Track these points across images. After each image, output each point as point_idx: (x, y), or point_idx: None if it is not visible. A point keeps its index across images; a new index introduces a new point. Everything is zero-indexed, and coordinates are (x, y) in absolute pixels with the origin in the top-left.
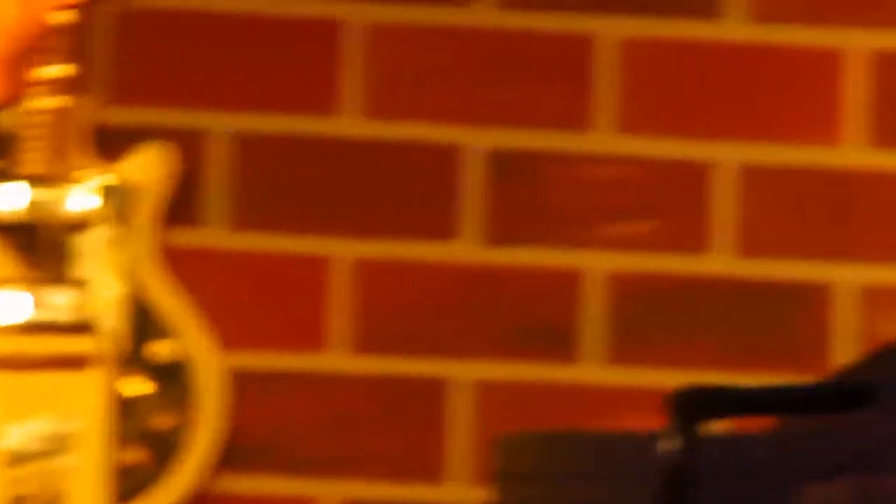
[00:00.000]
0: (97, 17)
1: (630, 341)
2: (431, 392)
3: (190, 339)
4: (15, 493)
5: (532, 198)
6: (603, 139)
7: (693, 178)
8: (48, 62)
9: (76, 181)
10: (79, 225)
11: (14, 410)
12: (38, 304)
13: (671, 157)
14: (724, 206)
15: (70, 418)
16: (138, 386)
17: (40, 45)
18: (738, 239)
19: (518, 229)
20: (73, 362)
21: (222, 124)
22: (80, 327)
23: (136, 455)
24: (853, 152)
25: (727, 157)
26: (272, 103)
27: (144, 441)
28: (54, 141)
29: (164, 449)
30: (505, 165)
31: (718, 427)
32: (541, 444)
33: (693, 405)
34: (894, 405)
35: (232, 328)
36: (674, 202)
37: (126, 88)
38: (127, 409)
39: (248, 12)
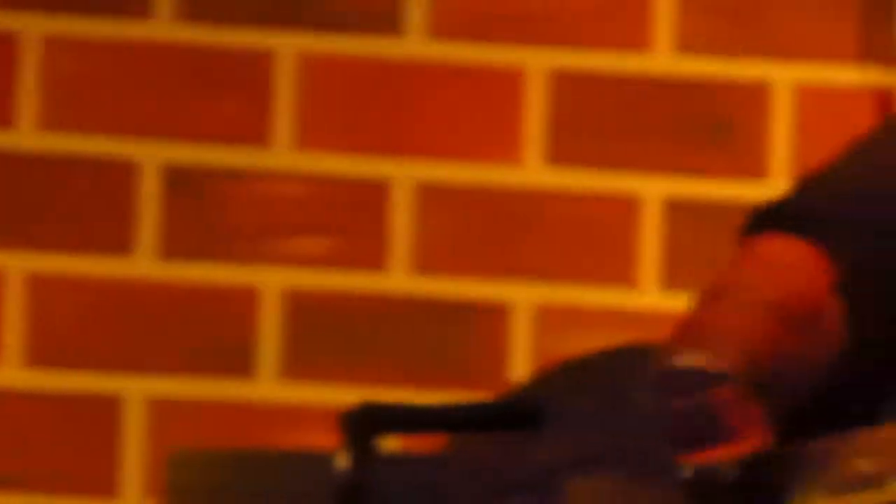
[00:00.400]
0: None
1: (307, 358)
2: (105, 408)
3: None
4: None
5: (208, 214)
6: (280, 155)
7: (371, 195)
8: None
9: None
10: None
11: None
12: None
13: (349, 175)
14: (402, 223)
15: None
16: None
17: None
18: (415, 257)
19: (193, 245)
20: None
21: None
22: None
23: None
24: (531, 171)
25: (405, 174)
26: None
27: None
28: None
29: None
30: (180, 181)
31: (392, 445)
32: (212, 462)
33: (366, 422)
34: (565, 425)
35: None
36: (351, 219)
37: None
38: None
39: None
